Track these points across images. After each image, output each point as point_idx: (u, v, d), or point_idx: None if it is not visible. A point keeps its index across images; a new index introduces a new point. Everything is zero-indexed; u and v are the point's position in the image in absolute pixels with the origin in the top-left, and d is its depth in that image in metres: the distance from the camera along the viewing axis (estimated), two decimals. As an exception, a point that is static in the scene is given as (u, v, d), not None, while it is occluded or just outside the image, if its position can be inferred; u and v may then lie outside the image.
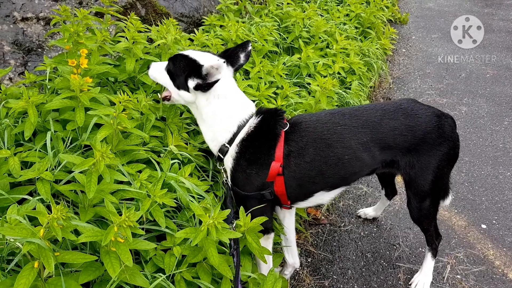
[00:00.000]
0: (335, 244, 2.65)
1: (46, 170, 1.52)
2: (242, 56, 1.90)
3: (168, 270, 1.39)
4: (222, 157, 1.82)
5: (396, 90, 4.96)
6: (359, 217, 2.87)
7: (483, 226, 2.85)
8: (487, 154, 3.70)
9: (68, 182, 1.54)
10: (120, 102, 1.60)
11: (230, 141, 1.81)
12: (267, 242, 1.86)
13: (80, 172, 1.47)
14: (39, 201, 1.42)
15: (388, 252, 2.60)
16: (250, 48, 1.90)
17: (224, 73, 1.76)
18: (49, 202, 1.37)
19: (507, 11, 7.92)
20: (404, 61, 5.86)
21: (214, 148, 1.87)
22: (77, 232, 1.26)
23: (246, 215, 1.58)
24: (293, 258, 2.22)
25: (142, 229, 1.42)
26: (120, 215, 1.23)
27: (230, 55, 1.90)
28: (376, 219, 2.86)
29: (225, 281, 1.44)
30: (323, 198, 1.94)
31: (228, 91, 1.83)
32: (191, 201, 1.60)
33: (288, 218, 2.10)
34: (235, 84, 1.90)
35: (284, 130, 1.80)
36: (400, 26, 7.26)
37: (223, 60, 1.72)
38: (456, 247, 2.64)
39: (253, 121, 1.82)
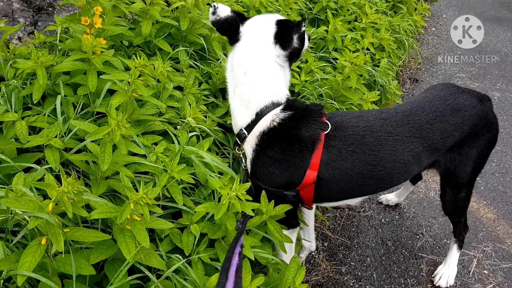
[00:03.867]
0: (353, 229, 2.53)
1: (56, 136, 1.40)
2: (295, 38, 1.54)
3: (187, 250, 1.29)
4: (239, 142, 1.59)
5: (424, 71, 4.70)
6: (380, 203, 2.73)
7: (514, 220, 2.68)
8: (519, 143, 3.49)
9: (79, 151, 1.42)
10: (136, 67, 1.45)
11: (248, 128, 1.55)
12: (291, 236, 1.70)
13: (92, 141, 1.34)
14: (47, 170, 1.32)
15: (410, 242, 2.47)
16: (303, 29, 1.53)
17: (261, 43, 1.51)
18: (58, 172, 1.25)
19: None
20: (433, 41, 5.54)
21: (234, 129, 1.66)
22: (88, 207, 1.15)
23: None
24: (309, 239, 2.12)
25: (158, 206, 1.30)
26: (136, 190, 1.11)
27: (282, 33, 1.55)
28: (398, 205, 2.72)
29: (245, 264, 1.33)
30: (354, 200, 1.78)
31: (257, 68, 1.52)
32: (210, 175, 1.47)
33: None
34: (275, 67, 1.55)
35: (325, 132, 1.52)
36: (430, 3, 6.85)
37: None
38: (483, 241, 2.50)
39: (280, 115, 1.52)
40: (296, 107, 1.57)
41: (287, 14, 3.10)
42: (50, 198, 0.97)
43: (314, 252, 2.29)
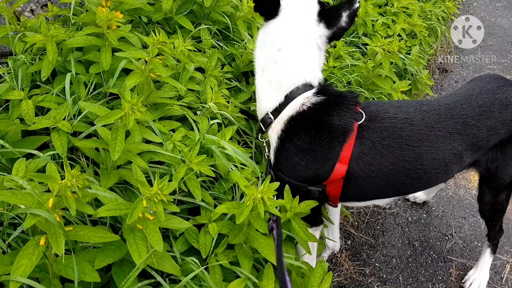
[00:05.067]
0: (378, 227, 2.37)
1: (64, 119, 1.27)
2: (344, 16, 1.39)
3: (204, 252, 1.15)
4: (263, 128, 1.45)
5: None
6: (407, 200, 2.56)
7: (551, 224, 2.48)
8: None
9: (89, 136, 1.29)
10: (154, 45, 1.29)
11: (275, 112, 1.42)
12: (314, 234, 1.54)
13: (104, 126, 1.21)
14: (54, 156, 1.19)
15: (438, 243, 2.30)
16: (357, 5, 1.38)
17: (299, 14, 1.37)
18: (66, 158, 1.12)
19: None
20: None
21: (258, 113, 1.51)
22: (96, 200, 1.02)
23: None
24: (333, 238, 1.98)
25: (174, 201, 1.16)
26: (150, 184, 0.98)
27: (327, 11, 1.42)
28: (426, 203, 2.54)
29: (268, 270, 1.19)
30: (383, 201, 1.62)
31: (293, 45, 1.38)
32: (232, 169, 1.33)
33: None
34: (313, 47, 1.41)
35: (359, 123, 1.37)
36: (460, -10, 6.49)
37: None
38: (518, 245, 2.31)
39: (312, 99, 1.38)
40: (330, 92, 1.42)
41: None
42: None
43: (337, 251, 2.15)
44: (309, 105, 1.38)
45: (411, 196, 2.54)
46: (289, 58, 1.39)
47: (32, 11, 2.18)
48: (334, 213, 1.91)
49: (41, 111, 1.46)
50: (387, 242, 2.28)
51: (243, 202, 1.18)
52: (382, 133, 1.39)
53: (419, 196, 2.53)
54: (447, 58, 4.42)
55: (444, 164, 1.46)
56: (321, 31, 1.42)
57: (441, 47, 4.53)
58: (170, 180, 1.11)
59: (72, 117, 1.33)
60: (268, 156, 1.47)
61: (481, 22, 5.50)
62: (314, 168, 1.39)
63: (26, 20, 1.84)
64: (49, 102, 1.40)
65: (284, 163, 1.42)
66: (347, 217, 2.38)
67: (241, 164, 1.41)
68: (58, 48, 1.53)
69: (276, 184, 1.23)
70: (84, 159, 1.24)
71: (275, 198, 1.23)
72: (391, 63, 2.56)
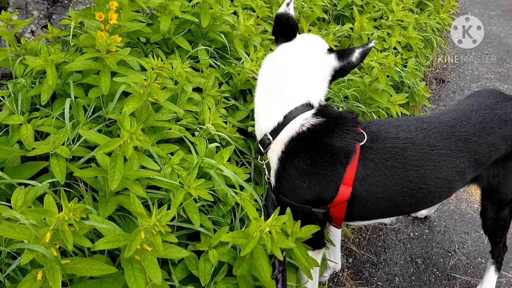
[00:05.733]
0: (380, 244, 2.35)
1: (63, 144, 1.27)
2: (357, 52, 1.45)
3: (204, 280, 1.14)
4: (262, 150, 1.45)
5: (450, 71, 4.46)
6: (409, 214, 2.54)
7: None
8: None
9: (89, 160, 1.28)
10: (152, 69, 1.30)
11: (274, 133, 1.42)
12: (316, 257, 1.53)
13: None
14: (54, 184, 1.19)
15: (441, 260, 2.28)
16: (371, 45, 1.46)
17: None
18: (63, 186, 1.12)
19: None
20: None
21: (257, 134, 1.52)
22: (95, 229, 1.01)
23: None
24: (335, 260, 1.96)
25: (173, 227, 1.16)
26: (148, 208, 0.97)
27: (345, 50, 1.50)
28: (427, 218, 2.53)
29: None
30: (388, 219, 1.64)
31: (300, 68, 1.43)
32: (232, 195, 1.32)
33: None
34: (319, 73, 1.46)
35: (361, 144, 1.37)
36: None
37: None
38: (522, 261, 2.29)
39: (311, 120, 1.38)
40: (329, 113, 1.42)
41: (312, 10, 2.92)
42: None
43: (339, 270, 2.13)
44: (308, 126, 1.38)
45: (412, 211, 2.54)
46: (294, 79, 1.42)
47: (32, 32, 2.19)
48: (336, 233, 1.90)
49: (40, 134, 1.46)
50: (389, 259, 2.26)
51: (246, 228, 1.16)
52: (385, 154, 1.39)
53: (421, 211, 2.51)
54: (443, 68, 4.45)
55: (448, 182, 1.46)
56: (330, 61, 1.47)
57: (438, 57, 4.56)
58: (168, 206, 1.10)
59: (71, 142, 1.33)
60: (268, 179, 1.46)
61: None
62: (317, 190, 1.39)
63: (26, 42, 1.86)
64: (49, 126, 1.40)
65: (285, 186, 1.41)
66: (348, 234, 2.36)
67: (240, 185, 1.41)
68: (58, 70, 1.54)
69: (284, 218, 1.22)
70: (82, 184, 1.24)
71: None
72: (388, 76, 2.58)
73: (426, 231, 2.46)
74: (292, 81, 1.43)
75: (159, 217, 0.89)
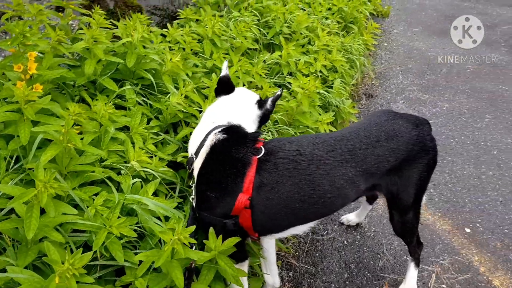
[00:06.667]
0: (317, 255, 2.52)
1: (-16, 196, 1.30)
2: (269, 101, 1.83)
3: (131, 311, 1.22)
4: (188, 170, 1.64)
5: (378, 86, 4.86)
6: (342, 224, 2.75)
7: (467, 230, 2.77)
8: (469, 152, 3.65)
9: (11, 211, 1.32)
10: (70, 115, 1.38)
11: (197, 151, 1.65)
12: (241, 269, 1.67)
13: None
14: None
15: (372, 262, 2.49)
16: (279, 93, 1.85)
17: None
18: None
19: (485, 5, 7.93)
20: (386, 56, 5.76)
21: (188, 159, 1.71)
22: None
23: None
24: (272, 277, 2.09)
25: (93, 266, 1.22)
26: (71, 252, 1.04)
27: (263, 100, 1.86)
28: (359, 225, 2.75)
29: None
30: (298, 230, 1.78)
31: (234, 106, 1.77)
32: (155, 223, 1.42)
33: (268, 239, 1.94)
34: (249, 113, 1.80)
35: (258, 157, 1.59)
36: (382, 19, 7.17)
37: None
38: (440, 254, 2.56)
39: (218, 135, 1.62)
40: (234, 131, 1.66)
41: (241, 43, 3.12)
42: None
43: (279, 286, 2.25)
44: (215, 141, 1.61)
45: (344, 220, 2.74)
46: (228, 111, 1.74)
47: (-47, 81, 2.17)
48: (269, 250, 2.03)
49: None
50: (325, 268, 2.43)
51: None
52: (277, 164, 1.60)
53: (352, 219, 2.73)
54: (371, 84, 4.85)
55: (336, 189, 1.64)
56: (255, 109, 1.82)
57: (367, 74, 4.97)
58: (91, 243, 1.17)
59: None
60: (193, 199, 1.62)
61: (401, 47, 6.13)
62: (224, 202, 1.56)
63: None
64: (-31, 180, 1.42)
65: (200, 197, 1.59)
66: (289, 248, 2.51)
67: (167, 216, 1.50)
68: (-21, 122, 1.56)
69: (192, 228, 1.34)
70: (6, 236, 1.27)
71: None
72: (313, 100, 2.82)
73: (358, 237, 2.67)
74: (221, 113, 1.72)
75: (71, 261, 0.96)
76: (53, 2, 2.38)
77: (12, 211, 1.34)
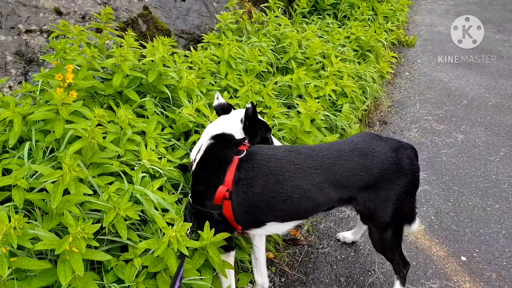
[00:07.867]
0: (310, 265, 2.67)
1: (23, 178, 1.62)
2: (242, 117, 2.09)
3: (128, 281, 1.47)
4: (190, 172, 1.98)
5: (393, 114, 4.92)
6: (338, 240, 2.89)
7: (463, 258, 2.80)
8: (477, 184, 3.62)
9: (42, 190, 1.63)
10: (95, 117, 1.70)
11: (196, 156, 1.98)
12: (227, 259, 1.92)
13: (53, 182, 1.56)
14: (11, 207, 1.52)
15: (362, 278, 2.61)
16: (249, 111, 2.05)
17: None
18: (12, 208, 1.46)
19: (518, 39, 7.78)
20: (405, 85, 5.83)
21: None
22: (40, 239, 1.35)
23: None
24: (262, 278, 2.25)
25: (103, 240, 1.49)
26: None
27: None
28: (355, 243, 2.87)
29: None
30: (277, 228, 1.97)
31: (230, 123, 2.10)
32: (155, 214, 1.68)
33: (258, 238, 2.15)
34: (236, 128, 2.10)
35: (239, 156, 1.87)
36: (407, 48, 7.19)
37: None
38: (432, 278, 2.63)
39: (209, 141, 1.95)
40: (222, 137, 1.99)
41: (253, 66, 3.42)
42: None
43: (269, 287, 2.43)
44: (206, 145, 1.94)
45: (341, 236, 2.88)
46: (221, 125, 2.06)
47: (10, 87, 2.60)
48: (260, 248, 2.22)
49: (8, 172, 1.81)
50: (316, 278, 2.58)
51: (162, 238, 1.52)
52: (253, 163, 1.87)
53: (348, 236, 2.86)
54: (387, 111, 4.97)
55: (304, 191, 1.83)
56: (238, 123, 2.11)
57: (382, 102, 5.08)
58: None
59: (30, 176, 1.68)
60: (190, 196, 1.92)
61: (422, 77, 6.18)
62: (210, 194, 1.83)
63: (3, 96, 2.25)
64: (13, 165, 1.76)
65: (193, 191, 1.92)
66: (283, 257, 2.69)
67: (165, 209, 1.77)
68: (25, 120, 1.92)
69: (189, 225, 1.59)
70: (37, 209, 1.57)
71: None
72: (313, 120, 3.03)
73: (352, 253, 2.80)
74: (217, 127, 2.06)
75: (83, 226, 1.24)
76: (93, 25, 2.80)
77: (43, 190, 1.65)
